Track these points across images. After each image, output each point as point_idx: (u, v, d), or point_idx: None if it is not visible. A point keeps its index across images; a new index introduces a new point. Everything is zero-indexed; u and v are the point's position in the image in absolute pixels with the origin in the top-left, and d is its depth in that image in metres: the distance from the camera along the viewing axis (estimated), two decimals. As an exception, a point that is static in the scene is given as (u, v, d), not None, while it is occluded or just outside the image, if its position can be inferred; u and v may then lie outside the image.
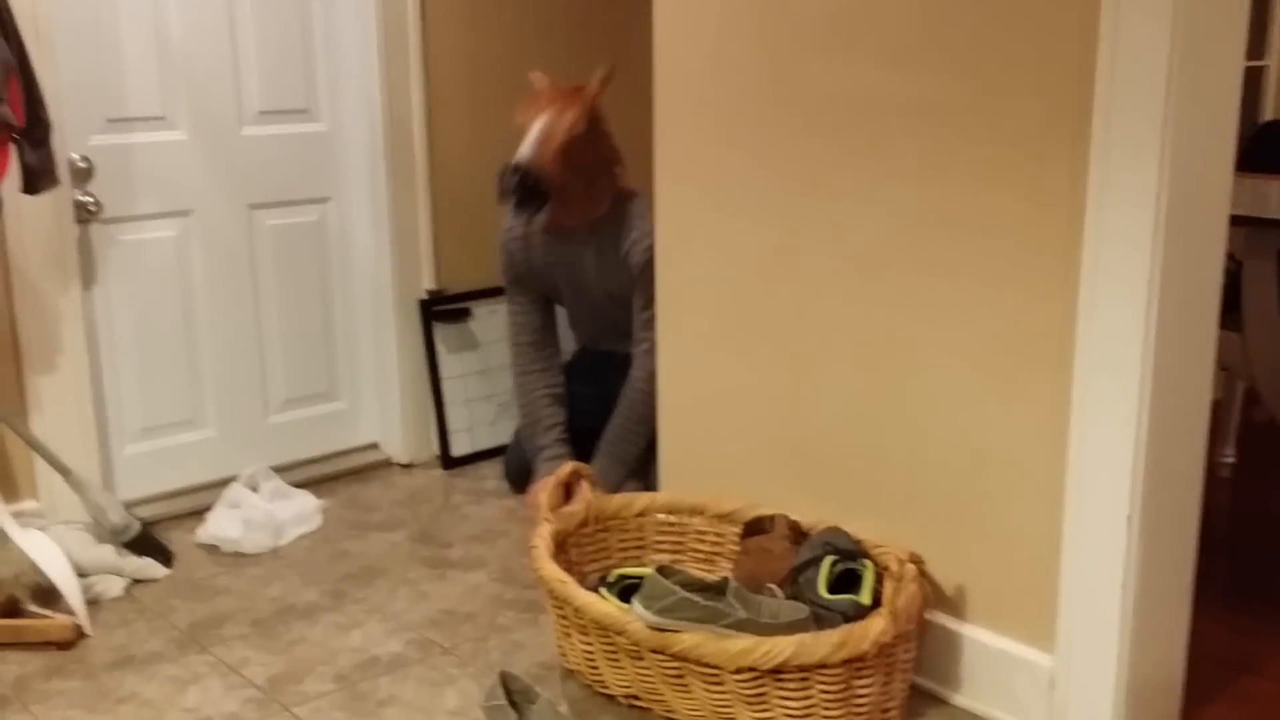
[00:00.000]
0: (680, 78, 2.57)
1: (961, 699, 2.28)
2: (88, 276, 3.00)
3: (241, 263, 3.26)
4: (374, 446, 3.59)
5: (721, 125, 2.50)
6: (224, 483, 3.18)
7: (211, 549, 2.99)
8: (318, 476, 3.41)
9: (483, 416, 3.62)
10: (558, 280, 3.24)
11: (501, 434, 3.64)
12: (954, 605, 2.29)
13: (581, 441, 3.23)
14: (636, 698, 2.26)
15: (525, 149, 2.98)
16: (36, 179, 2.57)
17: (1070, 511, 2.08)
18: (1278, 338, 2.70)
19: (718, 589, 2.12)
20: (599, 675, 2.30)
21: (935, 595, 2.29)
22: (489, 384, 3.63)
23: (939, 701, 2.29)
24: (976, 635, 2.25)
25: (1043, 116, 2.01)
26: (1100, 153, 1.93)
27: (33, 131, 2.53)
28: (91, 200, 2.96)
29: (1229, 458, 3.48)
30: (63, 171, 2.77)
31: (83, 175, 2.96)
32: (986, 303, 2.14)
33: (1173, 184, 1.89)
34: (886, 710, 2.16)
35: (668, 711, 2.22)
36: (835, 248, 2.36)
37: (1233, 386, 3.46)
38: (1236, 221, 2.62)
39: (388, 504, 3.29)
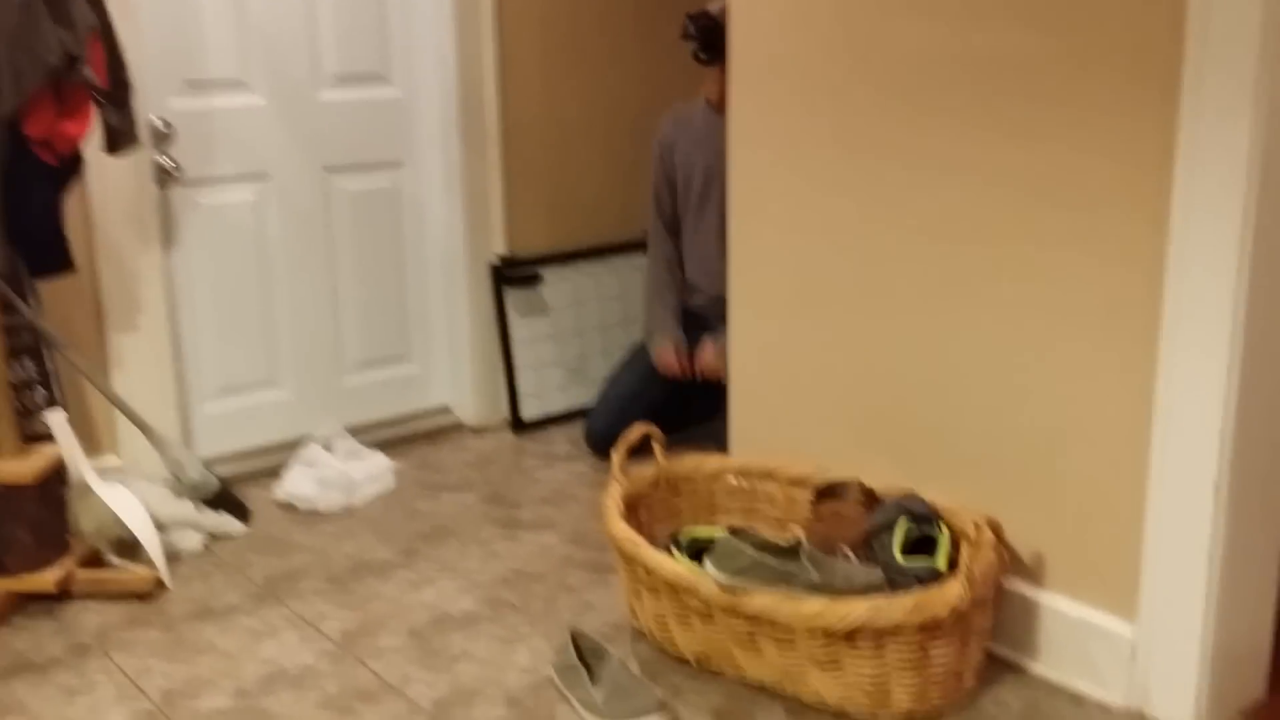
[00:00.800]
0: (757, 39, 2.54)
1: (1039, 667, 2.25)
2: (167, 238, 3.04)
3: (317, 226, 3.29)
4: (445, 410, 3.61)
5: (798, 88, 2.47)
6: (298, 442, 3.22)
7: (287, 507, 3.03)
8: (390, 438, 3.43)
9: (552, 381, 3.62)
10: (695, 173, 3.28)
11: (572, 398, 3.64)
12: (1033, 572, 2.25)
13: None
14: (707, 659, 2.25)
15: (717, 3, 3.10)
16: (118, 139, 2.61)
17: (1155, 478, 2.03)
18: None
19: (791, 552, 2.11)
20: (669, 636, 2.29)
21: (1013, 562, 2.26)
22: (559, 349, 3.63)
23: (1016, 669, 2.26)
24: (1055, 603, 2.22)
25: (1132, 75, 1.95)
26: (1191, 113, 1.88)
27: (115, 93, 2.57)
28: (171, 163, 3.00)
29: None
30: (143, 133, 2.80)
31: (163, 138, 3.00)
32: (1072, 268, 2.10)
33: (1266, 146, 1.83)
34: (961, 676, 2.14)
35: (738, 672, 2.21)
36: (913, 212, 2.32)
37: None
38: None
39: (458, 465, 3.31)
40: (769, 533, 2.55)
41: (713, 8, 3.13)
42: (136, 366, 2.97)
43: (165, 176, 3.00)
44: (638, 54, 3.66)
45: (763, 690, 2.19)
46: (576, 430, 3.53)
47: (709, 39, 3.10)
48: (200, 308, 3.13)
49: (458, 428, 3.59)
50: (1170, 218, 1.94)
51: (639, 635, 2.39)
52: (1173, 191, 1.93)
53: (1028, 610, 2.25)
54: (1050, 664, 2.23)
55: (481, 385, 3.55)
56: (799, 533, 2.29)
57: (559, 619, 2.46)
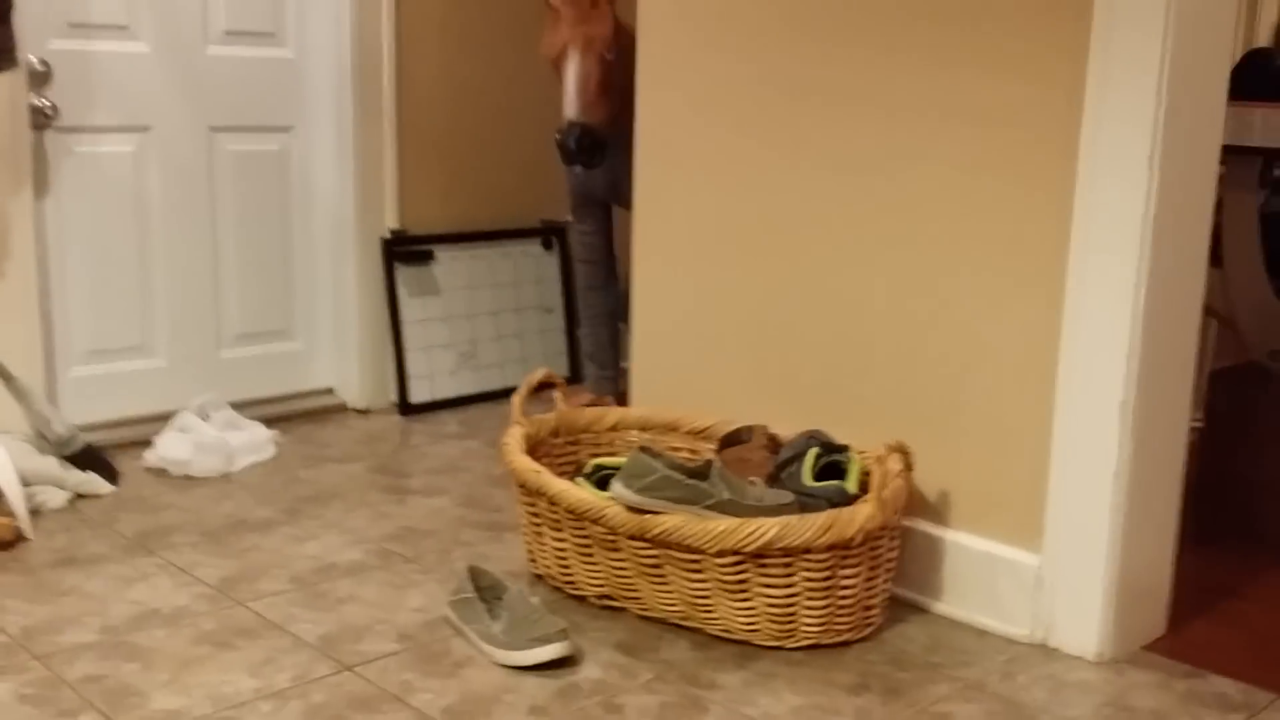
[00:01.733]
0: (666, -17, 2.53)
1: (944, 606, 2.22)
2: (40, 185, 2.88)
3: (199, 186, 3.15)
4: (329, 391, 3.48)
5: (706, 27, 2.46)
6: (170, 415, 3.05)
7: (159, 472, 2.86)
8: (269, 416, 3.28)
9: (443, 364, 3.52)
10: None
11: (463, 383, 3.54)
12: (938, 512, 2.23)
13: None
14: (610, 598, 2.17)
15: (570, 106, 2.96)
16: (-5, 57, 2.47)
17: (1062, 402, 2.04)
18: (1257, 271, 2.69)
19: (701, 472, 2.05)
20: (570, 576, 2.20)
21: (919, 502, 2.23)
22: (451, 331, 3.53)
23: (920, 610, 2.23)
24: (960, 540, 2.20)
25: (1043, 8, 1.98)
26: (1102, 33, 1.91)
27: (-6, 6, 2.43)
28: (49, 105, 2.85)
29: (1197, 421, 3.46)
30: (20, 73, 2.66)
31: (40, 79, 2.85)
32: (978, 195, 2.11)
33: (1173, 61, 1.87)
34: (869, 608, 2.09)
35: (642, 609, 2.13)
36: (820, 149, 2.31)
37: (1201, 352, 3.46)
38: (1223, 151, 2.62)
39: (344, 441, 3.18)
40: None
41: (570, 115, 2.98)
42: (0, 316, 2.79)
43: (41, 119, 2.85)
44: (541, 31, 3.63)
45: (668, 625, 2.12)
46: (467, 414, 3.43)
47: (595, 143, 2.95)
48: (71, 263, 2.96)
49: (341, 409, 3.45)
50: (1079, 140, 1.97)
51: (538, 581, 2.29)
52: (1083, 113, 1.96)
53: (933, 549, 2.22)
54: (956, 601, 2.20)
55: (368, 366, 3.43)
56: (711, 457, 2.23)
57: (453, 568, 2.35)
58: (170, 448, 2.88)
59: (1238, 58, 2.78)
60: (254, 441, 3.00)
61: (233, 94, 3.17)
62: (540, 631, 1.97)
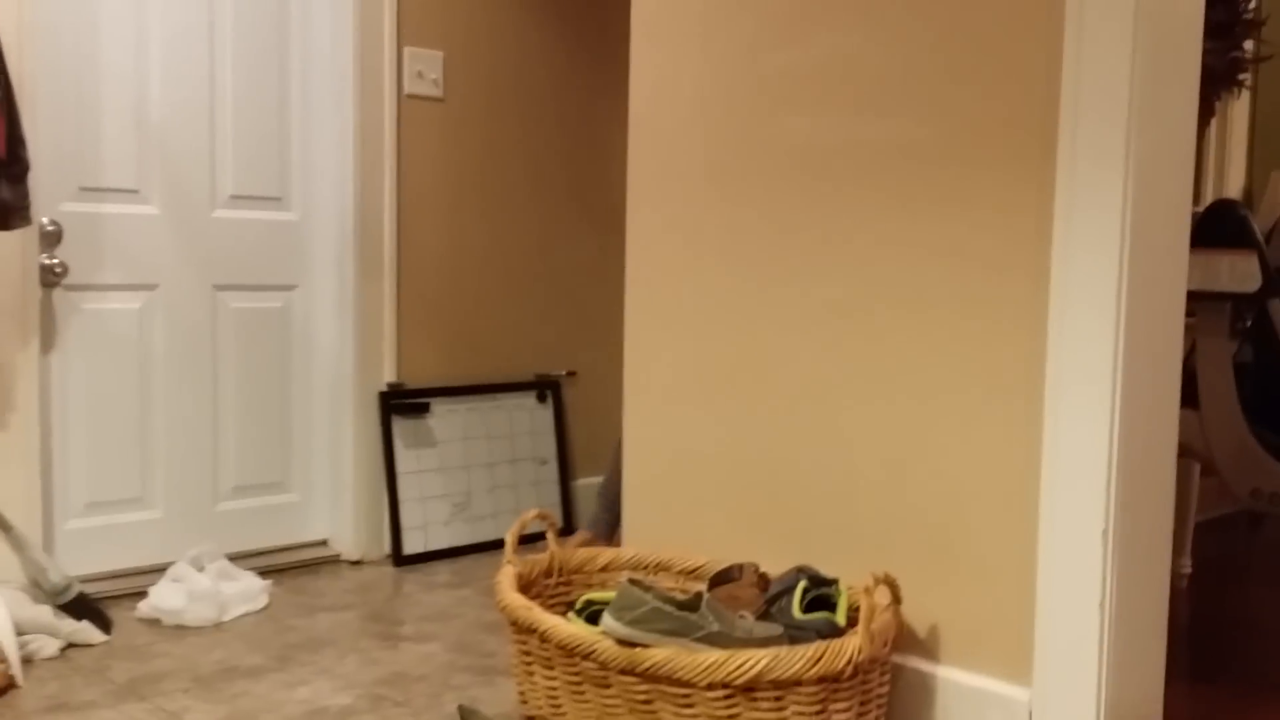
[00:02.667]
0: (655, 138, 2.66)
1: (937, 744, 2.21)
2: (47, 340, 2.97)
3: (203, 343, 3.24)
4: (323, 543, 3.50)
5: (695, 181, 2.59)
6: (166, 566, 3.08)
7: (153, 622, 2.87)
8: (264, 568, 3.29)
9: (437, 515, 3.55)
10: None
11: (456, 534, 3.57)
12: (928, 648, 2.24)
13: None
14: (601, 737, 2.16)
15: None
16: (10, 215, 2.58)
17: (1045, 533, 2.08)
18: (1232, 413, 2.76)
19: (691, 604, 2.07)
20: (562, 714, 2.20)
21: (909, 638, 2.25)
22: (445, 482, 3.58)
23: (913, 748, 2.22)
24: (952, 675, 2.20)
25: (1010, 156, 2.10)
26: (1065, 189, 2.01)
27: (11, 167, 2.55)
28: (58, 264, 2.96)
29: (1186, 568, 3.48)
30: (32, 233, 2.77)
31: (52, 239, 2.97)
32: (957, 340, 2.19)
33: (1135, 199, 1.97)
34: (861, 744, 2.09)
35: (634, 748, 2.13)
36: (803, 298, 2.41)
37: (1187, 496, 3.50)
38: (1190, 296, 2.73)
39: (336, 591, 3.19)
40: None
41: None
42: (1, 467, 2.84)
43: (51, 277, 2.95)
44: (537, 196, 3.78)
45: (659, 764, 2.11)
46: (461, 565, 3.45)
47: None
48: (74, 416, 3.03)
49: (335, 560, 3.47)
50: (1050, 275, 2.06)
51: (529, 722, 2.29)
52: (1051, 261, 2.05)
53: (925, 686, 2.23)
54: (949, 738, 2.20)
55: (363, 517, 3.46)
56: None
57: (444, 711, 2.35)
58: (164, 597, 2.89)
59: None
60: (247, 591, 3.01)
61: (238, 254, 3.29)
62: (531, 768, 1.96)
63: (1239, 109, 4.61)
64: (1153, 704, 2.15)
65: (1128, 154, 1.95)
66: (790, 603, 2.14)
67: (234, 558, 3.25)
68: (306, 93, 3.40)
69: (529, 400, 3.76)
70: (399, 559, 3.45)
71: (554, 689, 2.20)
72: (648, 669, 2.02)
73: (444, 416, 3.59)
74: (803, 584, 2.16)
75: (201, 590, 2.91)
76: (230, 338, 3.30)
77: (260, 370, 3.36)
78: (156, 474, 3.19)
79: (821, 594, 2.19)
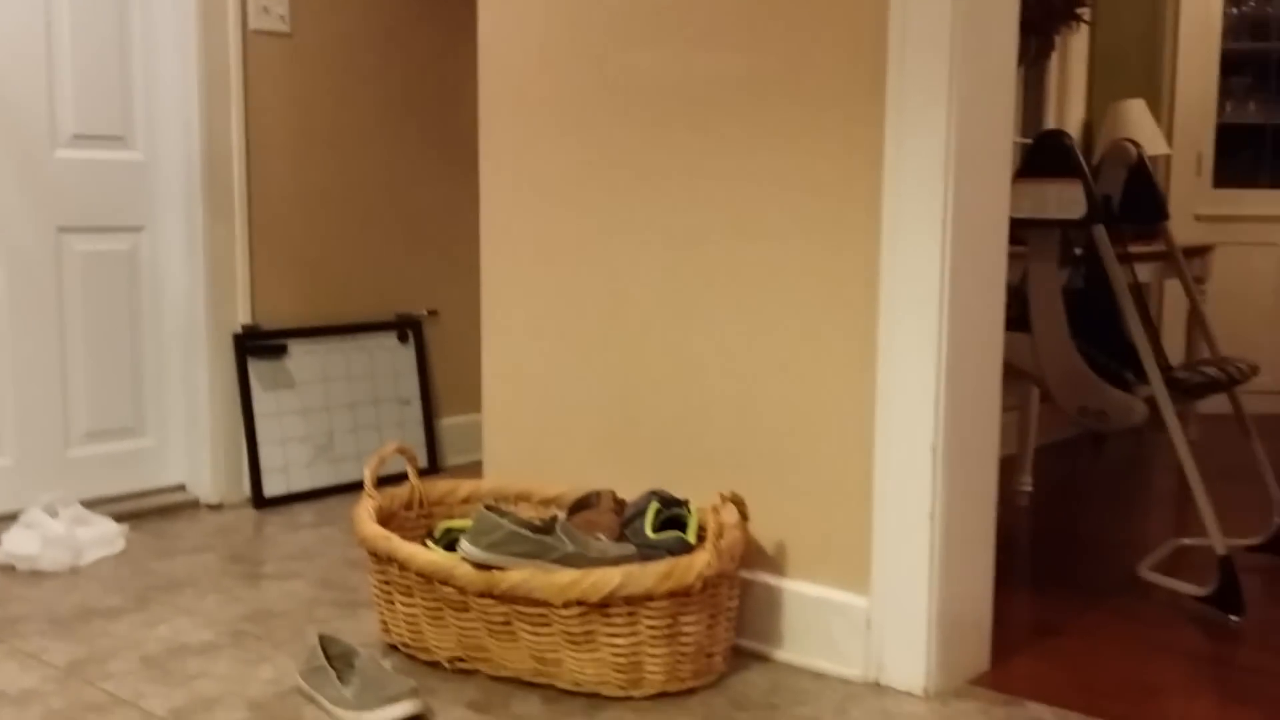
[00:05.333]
0: (502, 71, 2.68)
1: (784, 653, 2.32)
2: (-120, 285, 2.87)
3: (47, 286, 3.17)
4: (180, 488, 3.47)
5: (544, 118, 2.62)
6: (18, 514, 3.02)
7: (7, 568, 2.82)
8: (119, 514, 3.25)
9: (298, 457, 3.54)
10: None
11: (319, 476, 3.57)
12: (775, 562, 2.34)
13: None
14: (461, 660, 2.22)
15: None
16: None
17: (880, 450, 2.19)
18: (1061, 334, 2.91)
19: (547, 529, 2.13)
20: (422, 641, 2.25)
21: (758, 555, 2.35)
22: (306, 424, 3.57)
23: (762, 659, 2.32)
24: (797, 588, 2.31)
25: (843, 87, 2.18)
26: (895, 115, 2.10)
27: None
28: (-111, 205, 2.86)
29: (1027, 486, 3.67)
30: None
31: (-119, 180, 2.86)
32: (796, 264, 2.27)
33: (959, 139, 2.07)
34: (711, 655, 2.18)
35: (493, 669, 2.19)
36: (650, 226, 2.47)
37: (1027, 418, 3.69)
38: (1021, 224, 2.86)
39: (196, 534, 3.17)
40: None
41: None
42: None
43: (-119, 219, 2.85)
44: (391, 133, 3.76)
45: (519, 683, 2.17)
46: (324, 506, 3.45)
47: None
48: (-87, 363, 2.94)
49: (194, 505, 3.44)
50: (881, 210, 2.15)
51: (391, 650, 2.33)
52: (883, 190, 2.15)
53: (772, 599, 2.33)
54: (795, 648, 2.31)
55: (221, 461, 3.44)
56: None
57: (306, 643, 2.37)
58: (17, 543, 2.84)
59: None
60: (103, 536, 2.98)
61: (81, 196, 3.21)
62: (390, 691, 2.01)
63: (1078, 43, 4.80)
64: (981, 609, 2.29)
65: (950, 87, 2.04)
66: (643, 524, 2.22)
67: (89, 504, 3.20)
68: (148, 30, 3.32)
69: (390, 340, 3.77)
70: (260, 502, 3.44)
71: (414, 616, 2.24)
72: (505, 591, 2.08)
73: (302, 358, 3.57)
74: (655, 506, 2.24)
75: (56, 535, 2.86)
76: (76, 281, 3.23)
77: (109, 314, 3.29)
78: (4, 421, 3.11)
79: (673, 515, 2.27)
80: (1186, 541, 3.11)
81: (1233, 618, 2.58)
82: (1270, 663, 2.35)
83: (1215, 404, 4.43)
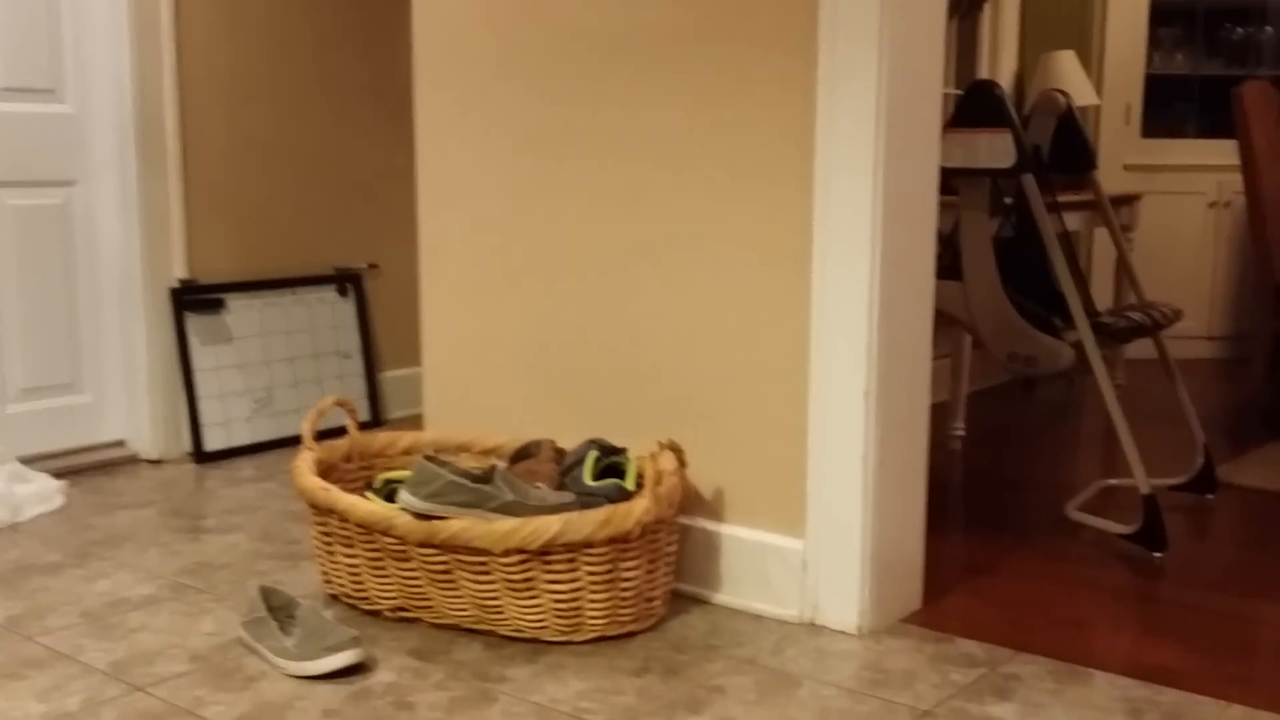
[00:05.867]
0: (437, 27, 2.66)
1: (723, 596, 2.37)
2: None
3: (-23, 241, 3.12)
4: (120, 444, 3.44)
5: (481, 70, 2.61)
6: (-47, 472, 2.99)
7: (-61, 528, 2.80)
8: (58, 470, 3.23)
9: (238, 411, 3.53)
10: None
11: (260, 430, 3.56)
12: (714, 508, 2.39)
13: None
14: (403, 609, 2.24)
15: None
16: None
17: (814, 395, 2.23)
18: (991, 282, 2.97)
19: (485, 478, 2.15)
20: (364, 591, 2.27)
21: (697, 501, 2.39)
22: (245, 378, 3.55)
23: (702, 602, 2.37)
24: (735, 532, 2.35)
25: (778, 31, 2.19)
26: (827, 62, 2.13)
27: None
28: None
29: (959, 430, 3.75)
30: None
31: None
32: (735, 208, 2.30)
33: (890, 85, 2.10)
34: (651, 600, 2.23)
35: (435, 617, 2.21)
36: (588, 178, 2.48)
37: (960, 364, 3.76)
38: (953, 174, 2.91)
39: (136, 489, 3.16)
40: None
41: None
42: None
43: None
44: (331, 84, 3.72)
45: (461, 631, 2.20)
46: (265, 460, 3.45)
47: None
48: None
49: (133, 461, 3.42)
50: (815, 159, 2.18)
51: (333, 601, 2.35)
52: (815, 136, 2.17)
53: (711, 544, 2.38)
54: (733, 591, 2.36)
55: (160, 416, 3.42)
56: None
57: (247, 596, 2.38)
58: (-49, 502, 2.82)
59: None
60: (41, 492, 2.96)
61: (10, 150, 3.16)
62: (332, 641, 2.03)
63: (1011, -4, 4.85)
64: (914, 549, 2.35)
65: (881, 35, 2.07)
66: (582, 472, 2.25)
67: (27, 460, 3.18)
68: (75, -23, 3.26)
69: (329, 294, 3.75)
70: (200, 456, 3.43)
71: (355, 566, 2.26)
72: (445, 540, 2.10)
73: (241, 312, 3.55)
74: (594, 454, 2.27)
75: (-9, 494, 2.85)
76: (8, 237, 3.18)
77: (43, 270, 3.25)
78: (-65, 379, 3.08)
79: (613, 463, 2.31)
80: (1112, 482, 3.20)
81: (1156, 554, 2.67)
82: (1191, 597, 2.44)
83: (1142, 348, 4.54)
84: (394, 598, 2.24)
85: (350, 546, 2.25)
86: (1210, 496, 3.12)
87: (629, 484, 2.23)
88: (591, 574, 2.12)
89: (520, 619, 2.15)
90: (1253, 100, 3.91)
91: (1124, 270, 3.74)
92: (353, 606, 2.31)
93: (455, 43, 2.64)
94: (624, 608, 2.17)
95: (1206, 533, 2.89)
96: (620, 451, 2.33)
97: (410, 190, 3.97)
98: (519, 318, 2.62)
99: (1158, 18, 5.15)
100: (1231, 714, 1.92)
